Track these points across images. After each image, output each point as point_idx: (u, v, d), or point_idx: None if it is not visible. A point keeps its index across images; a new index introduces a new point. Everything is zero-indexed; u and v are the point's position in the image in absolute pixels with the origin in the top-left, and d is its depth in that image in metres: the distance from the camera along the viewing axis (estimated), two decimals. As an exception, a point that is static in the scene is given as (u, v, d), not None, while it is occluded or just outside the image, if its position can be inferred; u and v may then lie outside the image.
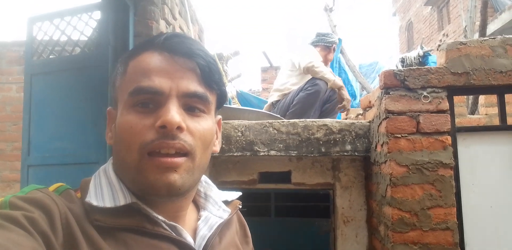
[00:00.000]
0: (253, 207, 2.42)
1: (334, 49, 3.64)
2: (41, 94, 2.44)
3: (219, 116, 0.74)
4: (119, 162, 0.63)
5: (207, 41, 4.62)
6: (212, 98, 0.65)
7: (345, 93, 3.26)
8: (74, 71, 2.34)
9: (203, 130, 0.62)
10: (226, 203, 0.76)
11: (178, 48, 0.62)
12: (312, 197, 2.46)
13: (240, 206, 0.78)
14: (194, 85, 0.62)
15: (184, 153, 0.60)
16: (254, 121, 2.26)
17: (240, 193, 0.80)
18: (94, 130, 2.14)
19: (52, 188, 0.61)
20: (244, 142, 2.22)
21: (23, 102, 2.51)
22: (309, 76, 3.30)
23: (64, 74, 2.37)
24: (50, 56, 2.57)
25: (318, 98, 3.24)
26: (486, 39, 1.83)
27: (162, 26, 2.63)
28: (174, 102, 0.60)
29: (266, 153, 2.18)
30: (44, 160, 2.33)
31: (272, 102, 3.47)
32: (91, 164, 2.11)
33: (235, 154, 2.21)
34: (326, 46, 3.58)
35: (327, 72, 3.23)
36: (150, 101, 0.60)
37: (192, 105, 0.62)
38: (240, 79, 7.74)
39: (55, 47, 2.57)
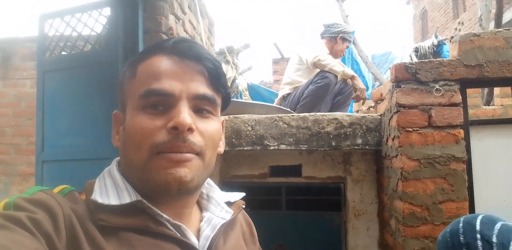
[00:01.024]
0: (264, 201, 2.43)
1: (342, 39, 3.50)
2: (54, 91, 2.47)
3: (222, 118, 0.75)
4: (127, 162, 0.64)
5: (217, 35, 4.60)
6: (219, 101, 0.67)
7: (358, 82, 3.21)
8: (85, 68, 2.36)
9: (212, 130, 0.64)
10: (229, 204, 0.76)
11: (188, 52, 0.64)
12: (323, 190, 2.46)
13: (244, 206, 0.78)
14: (203, 88, 0.64)
15: (195, 153, 0.61)
16: (264, 116, 2.26)
17: (243, 194, 0.81)
18: (106, 126, 2.17)
19: (57, 189, 0.62)
20: (254, 136, 2.22)
21: (36, 98, 2.55)
22: (318, 69, 3.27)
23: (76, 71, 2.39)
24: (62, 53, 2.60)
25: (328, 90, 3.21)
26: (500, 31, 1.79)
27: (172, 22, 2.63)
28: (185, 104, 0.61)
29: (276, 147, 2.19)
30: (58, 155, 2.37)
31: (283, 96, 3.46)
32: (103, 159, 2.13)
33: (245, 148, 2.21)
34: (331, 37, 3.51)
35: (335, 64, 3.18)
36: (161, 103, 0.61)
37: (201, 107, 0.64)
38: (251, 72, 7.73)
39: (67, 43, 2.59)
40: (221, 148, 0.73)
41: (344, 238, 2.35)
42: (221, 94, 0.68)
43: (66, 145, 2.34)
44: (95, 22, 2.49)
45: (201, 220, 0.70)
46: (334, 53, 3.50)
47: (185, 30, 3.03)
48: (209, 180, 0.77)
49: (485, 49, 1.77)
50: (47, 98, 2.48)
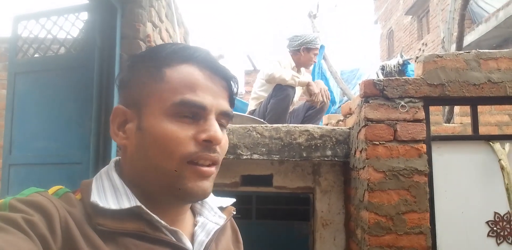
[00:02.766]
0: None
1: (306, 49, 3.51)
2: (25, 93, 2.42)
3: None
4: (152, 167, 0.64)
5: (192, 44, 4.62)
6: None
7: (313, 87, 3.29)
8: (59, 71, 2.33)
9: (225, 143, 0.69)
10: (221, 209, 0.78)
11: (218, 68, 0.68)
12: (293, 200, 2.52)
13: (235, 212, 0.80)
14: (226, 104, 0.68)
15: (217, 163, 0.66)
16: (238, 125, 2.31)
17: (233, 200, 0.82)
18: (78, 131, 2.15)
19: (51, 191, 0.62)
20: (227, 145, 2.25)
21: (6, 100, 2.48)
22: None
23: (49, 74, 2.36)
24: (35, 55, 2.56)
25: (289, 102, 3.29)
26: (461, 53, 1.93)
27: (149, 29, 2.65)
28: (214, 119, 0.65)
29: (249, 157, 2.23)
30: (27, 159, 2.31)
31: (250, 112, 3.52)
32: (74, 164, 2.11)
33: (218, 157, 2.24)
34: (295, 50, 3.54)
35: (287, 76, 3.21)
36: (193, 114, 0.64)
37: (221, 121, 0.68)
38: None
39: (40, 46, 2.55)
40: None
41: (312, 247, 2.41)
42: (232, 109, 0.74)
43: (36, 149, 2.29)
44: (71, 26, 2.48)
45: (194, 225, 0.71)
46: (303, 64, 3.57)
47: (161, 38, 3.05)
48: None
49: (447, 70, 1.91)
50: (17, 100, 2.42)
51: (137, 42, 2.45)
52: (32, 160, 2.29)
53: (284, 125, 2.39)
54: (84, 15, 2.48)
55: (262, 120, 2.89)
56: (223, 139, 0.68)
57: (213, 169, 0.65)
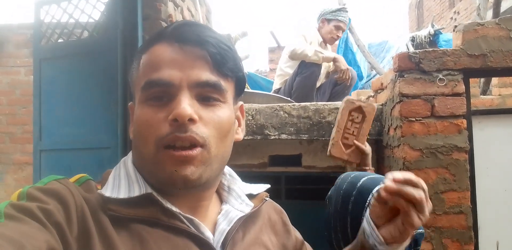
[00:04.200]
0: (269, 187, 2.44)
1: (326, 20, 3.32)
2: (51, 79, 2.43)
3: (241, 103, 0.72)
4: (137, 154, 0.64)
5: (214, 22, 4.55)
6: (227, 86, 0.64)
7: (340, 63, 3.12)
8: (83, 56, 2.32)
9: (218, 119, 0.61)
10: (251, 196, 0.73)
11: (187, 37, 0.61)
12: (322, 180, 2.47)
13: (267, 198, 0.75)
14: (205, 74, 0.60)
15: (200, 144, 0.59)
16: (264, 105, 2.25)
17: (268, 186, 0.77)
18: (104, 115, 2.14)
19: (73, 178, 0.62)
20: (254, 126, 2.21)
21: (33, 87, 2.50)
22: None
23: (73, 59, 2.35)
24: (59, 40, 2.55)
25: (315, 79, 3.17)
26: (504, 20, 1.78)
27: (171, 9, 2.58)
28: (186, 94, 0.59)
29: (277, 137, 2.18)
30: (56, 144, 2.35)
31: (275, 90, 3.43)
32: (102, 149, 2.11)
33: (245, 138, 2.20)
34: (318, 24, 3.39)
35: (310, 51, 3.04)
36: (163, 94, 0.60)
37: (206, 95, 0.61)
38: (248, 60, 7.66)
39: (63, 30, 2.54)
40: (240, 135, 0.70)
41: (344, 227, 2.37)
42: (230, 78, 0.64)
43: (64, 134, 2.31)
44: (92, 9, 2.44)
45: (219, 213, 0.68)
46: (325, 38, 3.38)
47: (183, 17, 2.98)
48: (231, 171, 0.75)
49: (488, 39, 1.76)
50: (44, 86, 2.43)
51: (159, 23, 2.40)
52: (61, 145, 2.32)
53: (312, 103, 2.31)
54: (105, -3, 2.44)
55: (289, 99, 2.81)
56: (210, 114, 0.61)
57: (193, 152, 0.58)
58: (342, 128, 1.80)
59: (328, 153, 1.83)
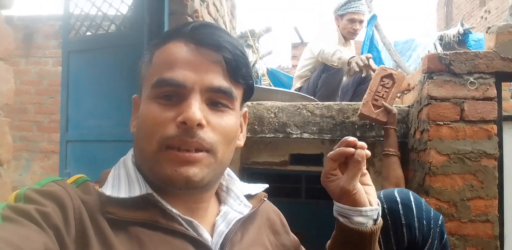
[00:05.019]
0: (283, 189, 2.42)
1: (339, 16, 3.18)
2: (79, 71, 2.47)
3: (245, 109, 0.72)
4: (138, 150, 0.63)
5: (238, 17, 4.53)
6: (237, 93, 0.64)
7: (354, 65, 2.79)
8: (110, 49, 2.34)
9: (226, 125, 0.61)
10: (250, 197, 0.73)
11: (205, 40, 0.60)
12: (344, 180, 2.44)
13: (266, 198, 0.75)
14: (219, 80, 0.60)
15: (206, 149, 0.59)
16: (287, 103, 2.23)
17: (266, 185, 0.77)
18: (130, 108, 2.16)
19: (71, 179, 0.62)
20: (277, 124, 2.19)
21: (61, 79, 2.55)
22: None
23: (101, 52, 2.38)
24: (87, 33, 2.58)
25: (342, 76, 3.10)
26: (544, 22, 1.70)
27: (197, 4, 2.58)
28: (197, 97, 0.59)
29: (299, 136, 2.16)
30: (82, 136, 2.39)
31: (295, 90, 3.38)
32: (127, 142, 2.13)
33: (267, 136, 2.19)
34: (335, 22, 3.24)
35: (337, 54, 2.87)
36: (174, 93, 0.59)
37: (216, 100, 0.61)
38: (271, 56, 7.62)
39: (92, 23, 2.57)
40: (241, 142, 0.70)
41: (363, 228, 2.34)
42: (241, 86, 0.64)
43: (90, 126, 2.35)
44: (120, 3, 2.46)
45: (217, 214, 0.68)
46: (344, 35, 3.24)
47: (209, 13, 2.97)
48: (229, 171, 0.74)
49: (525, 42, 1.70)
50: (71, 78, 2.48)
51: (185, 18, 2.40)
52: (87, 137, 2.36)
53: (336, 102, 2.27)
54: (133, -9, 2.45)
55: (312, 97, 2.78)
56: (218, 120, 0.60)
57: (197, 155, 0.58)
58: (373, 91, 2.00)
59: (358, 112, 2.02)
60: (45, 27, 4.80)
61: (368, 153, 0.68)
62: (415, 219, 1.14)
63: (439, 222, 1.16)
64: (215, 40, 0.60)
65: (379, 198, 1.26)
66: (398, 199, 1.19)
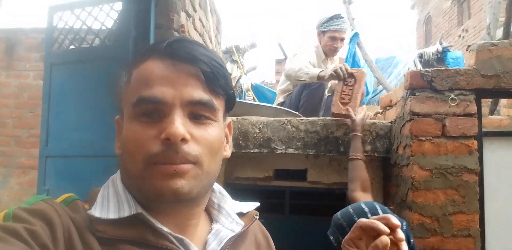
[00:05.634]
0: (267, 204, 2.40)
1: (321, 33, 3.19)
2: (61, 84, 2.43)
3: (229, 120, 0.72)
4: (125, 171, 0.63)
5: (224, 33, 4.57)
6: (219, 104, 0.64)
7: (326, 76, 2.69)
8: (94, 63, 2.32)
9: (209, 137, 0.61)
10: (241, 215, 0.73)
11: (181, 54, 0.61)
12: (328, 196, 2.43)
13: (257, 217, 0.75)
14: (198, 93, 0.60)
15: (191, 163, 0.59)
16: (272, 118, 2.23)
17: (257, 204, 0.77)
18: (112, 123, 2.12)
19: (60, 198, 0.62)
20: (261, 139, 2.19)
21: (42, 92, 2.51)
22: None
23: (84, 65, 2.35)
24: (70, 47, 2.56)
25: (323, 91, 3.12)
26: (519, 41, 1.77)
27: (183, 18, 2.59)
28: (179, 112, 0.59)
29: (283, 151, 2.16)
30: (63, 150, 2.33)
31: (278, 104, 3.40)
32: (109, 157, 2.09)
33: (252, 151, 2.19)
34: (317, 37, 3.26)
35: (304, 73, 2.84)
36: (154, 111, 0.59)
37: (197, 113, 0.61)
38: (255, 72, 7.69)
39: (75, 37, 2.55)
40: (228, 152, 0.70)
41: (347, 244, 2.33)
42: (221, 96, 0.65)
43: (72, 140, 2.30)
44: (106, 17, 2.46)
45: (209, 232, 0.67)
46: (325, 51, 3.26)
47: (195, 28, 2.99)
48: (221, 189, 0.74)
49: (502, 59, 1.75)
50: (53, 91, 2.44)
51: (171, 33, 2.41)
52: (68, 151, 2.30)
53: (321, 117, 2.29)
54: (119, 5, 2.45)
55: (296, 112, 2.79)
56: (202, 133, 0.60)
57: (185, 166, 0.58)
58: (339, 91, 2.29)
59: (331, 113, 2.26)
60: (28, 39, 4.74)
61: (402, 237, 0.60)
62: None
63: (404, 227, 1.25)
64: (190, 53, 0.61)
65: (347, 211, 1.33)
66: (366, 209, 1.29)
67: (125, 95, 0.64)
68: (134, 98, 0.60)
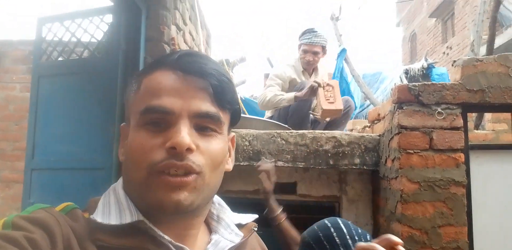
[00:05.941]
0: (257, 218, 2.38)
1: (299, 47, 3.29)
2: (48, 96, 2.40)
3: (233, 134, 0.73)
4: (127, 177, 0.63)
5: (214, 47, 4.60)
6: (224, 118, 0.65)
7: (303, 95, 2.97)
8: (83, 75, 2.31)
9: (214, 149, 0.62)
10: (240, 226, 0.73)
11: (191, 67, 0.62)
12: (317, 209, 2.43)
13: (256, 228, 0.75)
14: (206, 105, 0.61)
15: (195, 172, 0.59)
16: (262, 131, 2.24)
17: (256, 216, 0.77)
18: (101, 135, 2.11)
19: (59, 207, 0.61)
20: (251, 152, 2.19)
21: (29, 103, 2.47)
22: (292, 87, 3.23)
23: (73, 78, 2.34)
24: (59, 58, 2.55)
25: (310, 104, 3.15)
26: (502, 57, 1.82)
27: (173, 32, 2.61)
28: (185, 123, 0.60)
29: (273, 164, 2.16)
30: (49, 163, 2.29)
31: (267, 118, 3.42)
32: (97, 169, 2.07)
33: (241, 163, 2.18)
34: (298, 47, 3.34)
35: (281, 100, 3.02)
36: (161, 120, 0.60)
37: (203, 125, 0.62)
38: (244, 86, 7.73)
39: (64, 49, 2.54)
40: (230, 166, 0.71)
41: (337, 258, 2.31)
42: (227, 111, 0.66)
43: (59, 153, 2.26)
44: (95, 29, 2.46)
45: (208, 243, 0.67)
46: (302, 65, 3.34)
47: (185, 41, 3.01)
48: (220, 201, 0.74)
49: (487, 75, 1.80)
50: (40, 103, 2.41)
51: (161, 45, 2.42)
52: (54, 164, 2.26)
53: (310, 131, 2.31)
54: (109, 18, 2.46)
55: (285, 125, 2.81)
56: (207, 144, 0.61)
57: (188, 179, 0.58)
58: (323, 96, 2.85)
59: (322, 114, 2.86)
60: (15, 51, 4.70)
61: None
62: (347, 237, 1.26)
63: (368, 237, 1.29)
64: (201, 67, 0.62)
65: (313, 229, 1.36)
66: (329, 225, 1.33)
67: (133, 103, 0.65)
68: (142, 107, 0.61)
